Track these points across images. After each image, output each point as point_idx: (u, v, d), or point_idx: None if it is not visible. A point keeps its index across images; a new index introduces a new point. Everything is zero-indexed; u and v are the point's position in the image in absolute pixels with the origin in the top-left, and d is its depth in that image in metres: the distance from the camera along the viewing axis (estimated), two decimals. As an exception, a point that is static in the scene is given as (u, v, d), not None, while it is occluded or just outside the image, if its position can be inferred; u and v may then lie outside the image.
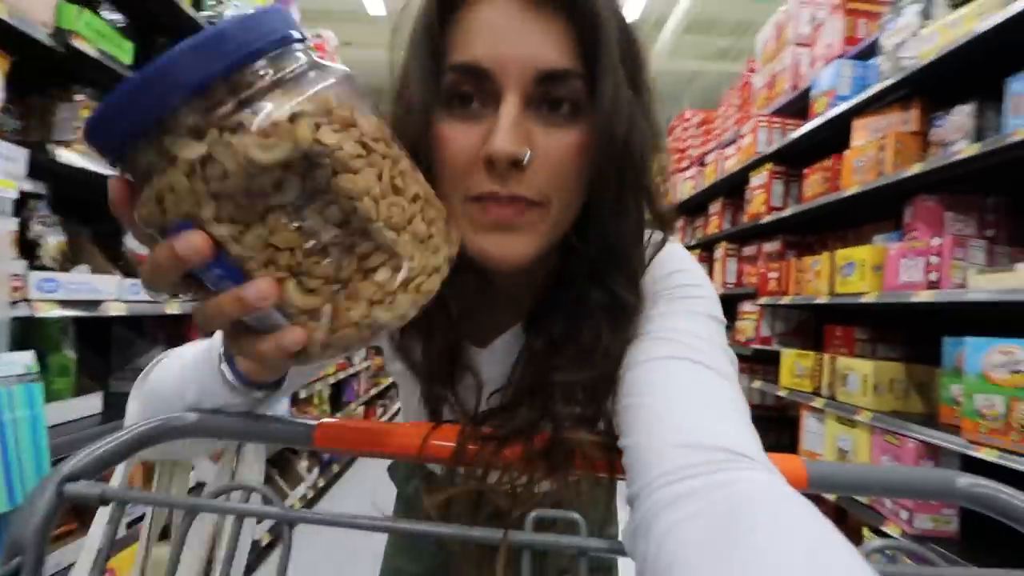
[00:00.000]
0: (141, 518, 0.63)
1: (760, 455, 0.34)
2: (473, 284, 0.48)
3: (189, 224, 0.28)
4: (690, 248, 3.76)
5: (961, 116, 1.74)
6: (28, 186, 1.37)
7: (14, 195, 1.29)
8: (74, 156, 1.49)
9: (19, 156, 1.33)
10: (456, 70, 0.42)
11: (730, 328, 1.54)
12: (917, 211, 1.91)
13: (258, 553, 2.36)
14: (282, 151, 0.27)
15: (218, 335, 0.48)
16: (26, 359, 1.24)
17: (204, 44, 0.26)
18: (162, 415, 0.48)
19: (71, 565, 0.48)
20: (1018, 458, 1.39)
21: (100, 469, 0.44)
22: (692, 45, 6.39)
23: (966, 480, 0.42)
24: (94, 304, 1.51)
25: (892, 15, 2.02)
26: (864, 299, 1.98)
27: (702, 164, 3.93)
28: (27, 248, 1.43)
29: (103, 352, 1.93)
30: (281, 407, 2.19)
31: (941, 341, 1.76)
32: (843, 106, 2.21)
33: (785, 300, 2.54)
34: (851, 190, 2.13)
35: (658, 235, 0.49)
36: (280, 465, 2.80)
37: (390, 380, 4.54)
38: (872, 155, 2.04)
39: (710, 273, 3.51)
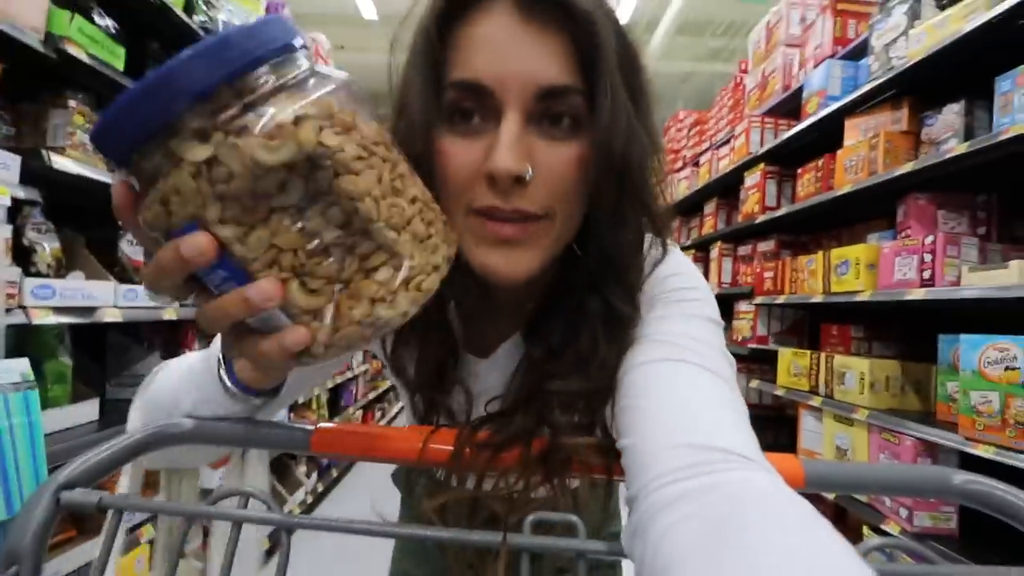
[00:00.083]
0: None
1: (757, 455, 0.34)
2: (475, 292, 0.48)
3: (193, 226, 0.28)
4: (685, 248, 3.78)
5: (951, 115, 1.76)
6: (22, 193, 1.37)
7: (7, 202, 1.28)
8: (68, 162, 1.48)
9: (12, 163, 1.33)
10: (457, 87, 0.42)
11: (727, 328, 1.54)
12: (909, 210, 1.92)
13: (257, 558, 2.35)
14: (286, 153, 0.28)
15: (217, 343, 0.48)
16: (22, 366, 1.24)
17: (210, 50, 0.27)
18: (162, 423, 0.48)
19: (69, 574, 0.48)
20: (1015, 454, 1.40)
21: (97, 477, 0.44)
22: (684, 46, 6.42)
23: (962, 477, 0.42)
24: (89, 311, 1.50)
25: (881, 15, 2.04)
26: (859, 297, 1.99)
27: (696, 164, 3.95)
28: (22, 255, 1.43)
29: (99, 359, 1.92)
30: (279, 414, 2.18)
31: (936, 338, 1.77)
32: (834, 106, 2.23)
33: (781, 299, 2.55)
34: (844, 189, 2.14)
35: (658, 249, 0.49)
36: (278, 470, 2.78)
37: (388, 384, 4.53)
38: (864, 154, 2.05)
39: (706, 273, 3.52)
